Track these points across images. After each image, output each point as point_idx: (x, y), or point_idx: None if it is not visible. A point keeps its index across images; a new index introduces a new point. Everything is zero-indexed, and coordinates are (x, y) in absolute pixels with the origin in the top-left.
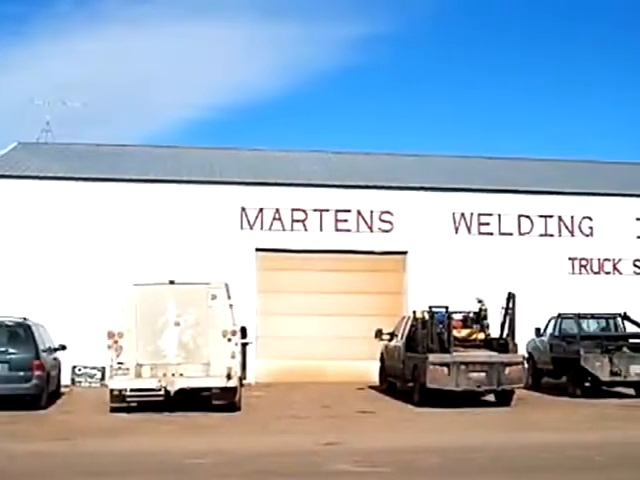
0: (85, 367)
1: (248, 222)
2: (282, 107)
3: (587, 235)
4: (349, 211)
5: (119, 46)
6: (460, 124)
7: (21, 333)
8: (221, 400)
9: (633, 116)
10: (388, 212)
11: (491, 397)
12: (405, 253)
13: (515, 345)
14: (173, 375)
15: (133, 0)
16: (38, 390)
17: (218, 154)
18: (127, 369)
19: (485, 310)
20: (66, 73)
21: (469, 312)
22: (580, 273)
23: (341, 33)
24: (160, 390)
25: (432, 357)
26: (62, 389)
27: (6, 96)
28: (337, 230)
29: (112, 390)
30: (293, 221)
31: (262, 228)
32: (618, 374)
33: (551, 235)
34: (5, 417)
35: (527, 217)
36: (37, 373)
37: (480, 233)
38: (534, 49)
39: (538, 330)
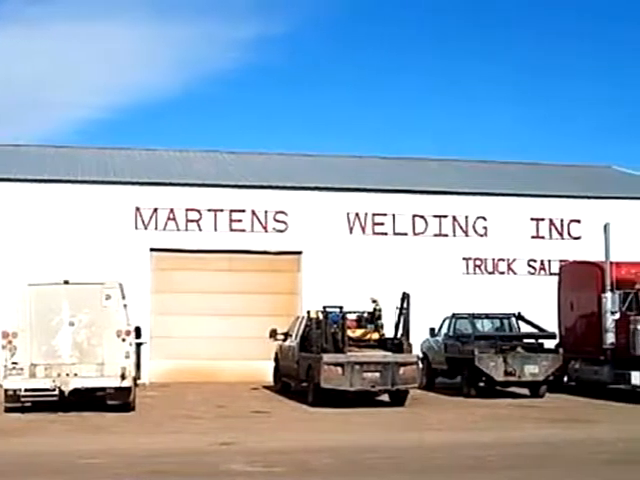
0: None
1: (142, 222)
2: (176, 107)
3: (481, 235)
4: (243, 211)
5: (15, 46)
6: (354, 124)
7: None
8: (115, 400)
9: (526, 116)
10: (282, 212)
11: (385, 397)
12: (300, 253)
13: (409, 345)
14: (67, 375)
15: (31, 0)
16: None
17: (112, 154)
18: (21, 369)
19: (379, 310)
20: None
21: (363, 312)
22: (474, 273)
23: (235, 33)
24: (54, 390)
25: (326, 357)
26: None
27: None
28: (232, 230)
29: (6, 390)
30: (187, 221)
31: (156, 228)
32: (512, 374)
33: (445, 235)
34: None
35: (421, 217)
36: None
37: (374, 233)
38: (429, 48)
39: (432, 330)
